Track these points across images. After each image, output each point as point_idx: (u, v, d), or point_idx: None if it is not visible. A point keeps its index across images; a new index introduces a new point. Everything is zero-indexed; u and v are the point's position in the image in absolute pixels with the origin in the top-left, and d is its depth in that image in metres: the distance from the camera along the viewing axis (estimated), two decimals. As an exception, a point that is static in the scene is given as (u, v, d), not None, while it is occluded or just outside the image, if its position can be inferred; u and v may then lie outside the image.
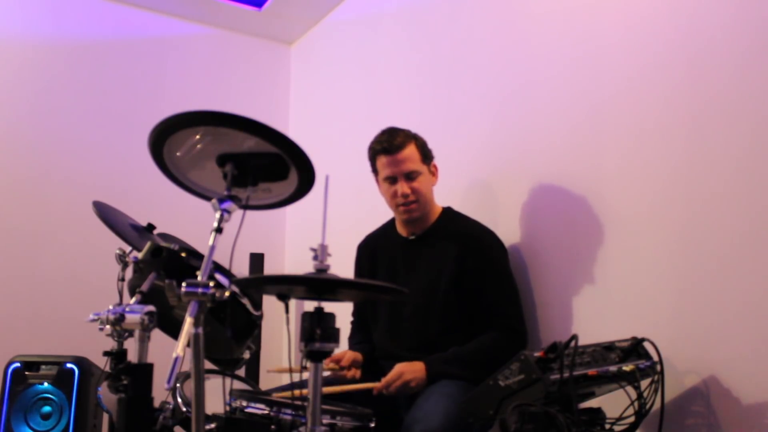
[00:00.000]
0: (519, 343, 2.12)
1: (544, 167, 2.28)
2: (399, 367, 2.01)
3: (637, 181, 1.97)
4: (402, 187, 2.19)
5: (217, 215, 1.38)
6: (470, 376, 1.95)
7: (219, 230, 1.37)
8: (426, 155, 2.25)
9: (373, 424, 1.67)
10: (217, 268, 1.52)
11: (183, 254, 1.64)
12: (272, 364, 3.49)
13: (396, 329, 2.25)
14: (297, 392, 1.48)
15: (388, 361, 2.14)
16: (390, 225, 2.41)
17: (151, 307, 1.51)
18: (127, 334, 1.55)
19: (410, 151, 2.20)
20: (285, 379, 1.55)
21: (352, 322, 2.50)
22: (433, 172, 2.30)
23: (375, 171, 2.30)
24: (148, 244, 1.67)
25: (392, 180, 2.22)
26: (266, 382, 2.77)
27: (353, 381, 2.11)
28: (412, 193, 2.19)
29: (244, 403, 1.64)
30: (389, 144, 2.19)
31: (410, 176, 2.19)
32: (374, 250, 2.42)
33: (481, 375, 1.66)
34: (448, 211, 2.32)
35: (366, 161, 2.31)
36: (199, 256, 1.63)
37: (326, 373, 2.17)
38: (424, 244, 2.27)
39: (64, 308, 3.18)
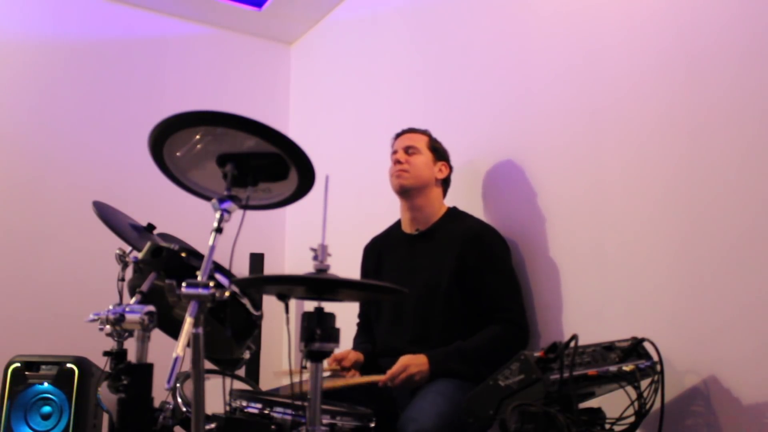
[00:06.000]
0: (520, 337, 2.13)
1: (545, 167, 2.28)
2: (404, 360, 2.01)
3: (637, 181, 1.97)
4: (397, 156, 2.32)
5: (217, 215, 1.38)
6: (472, 371, 1.96)
7: (219, 230, 1.37)
8: (435, 149, 2.36)
9: (373, 424, 1.67)
10: (217, 268, 1.52)
11: (183, 254, 1.64)
12: (272, 364, 3.50)
13: (398, 323, 2.26)
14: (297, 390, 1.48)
15: (389, 357, 2.14)
16: (395, 225, 2.45)
17: (151, 307, 1.51)
18: (127, 334, 1.55)
19: (417, 137, 2.37)
20: (287, 382, 1.56)
21: (358, 324, 2.51)
22: (441, 169, 2.35)
23: None
24: (148, 244, 1.67)
25: (395, 158, 2.34)
26: (266, 382, 2.78)
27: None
28: (405, 162, 2.30)
29: (244, 403, 1.64)
30: (402, 131, 2.40)
31: (408, 150, 2.32)
32: (379, 250, 2.44)
33: (483, 369, 1.66)
34: (452, 210, 2.36)
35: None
36: (199, 256, 1.63)
37: (326, 374, 2.17)
38: (428, 240, 2.29)
39: (64, 308, 3.17)
